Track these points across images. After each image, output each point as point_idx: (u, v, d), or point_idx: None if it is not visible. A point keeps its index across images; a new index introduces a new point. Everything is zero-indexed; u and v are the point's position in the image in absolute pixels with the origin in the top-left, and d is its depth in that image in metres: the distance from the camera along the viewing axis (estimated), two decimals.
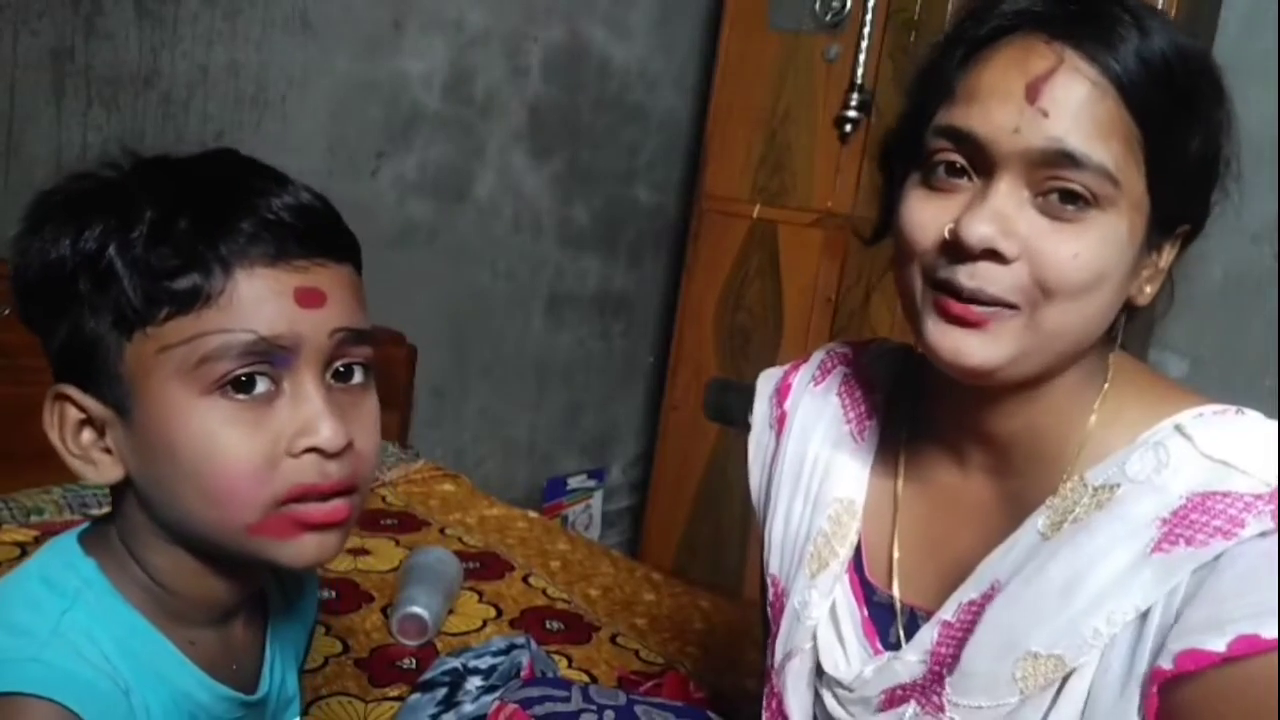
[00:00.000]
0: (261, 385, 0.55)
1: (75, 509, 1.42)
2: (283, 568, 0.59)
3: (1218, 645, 0.56)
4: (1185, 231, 0.66)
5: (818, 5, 2.05)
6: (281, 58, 1.81)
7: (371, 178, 2.00)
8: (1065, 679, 0.63)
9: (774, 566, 0.82)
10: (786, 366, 0.89)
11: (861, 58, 1.98)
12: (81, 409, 0.56)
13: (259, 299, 0.54)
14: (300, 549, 0.57)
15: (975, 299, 0.61)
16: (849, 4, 2.01)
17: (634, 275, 2.67)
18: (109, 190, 0.56)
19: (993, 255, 0.60)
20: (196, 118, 1.72)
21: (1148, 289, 0.66)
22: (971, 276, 0.61)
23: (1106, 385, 0.68)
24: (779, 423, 0.85)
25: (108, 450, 0.57)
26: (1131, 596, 0.61)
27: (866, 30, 1.97)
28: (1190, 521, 0.60)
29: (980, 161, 0.62)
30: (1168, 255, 0.66)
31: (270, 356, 0.54)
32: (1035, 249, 0.60)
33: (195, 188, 0.56)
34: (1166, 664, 0.58)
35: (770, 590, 0.82)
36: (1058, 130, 0.59)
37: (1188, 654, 0.57)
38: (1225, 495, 0.60)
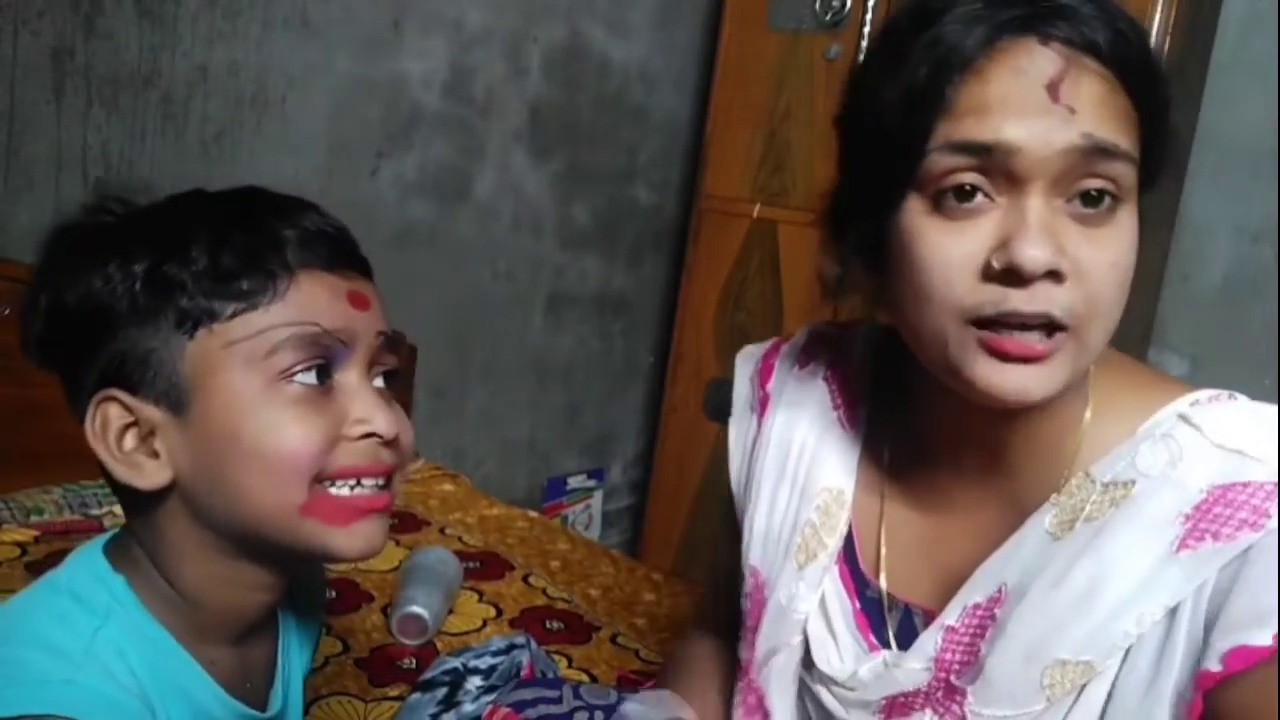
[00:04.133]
0: (321, 379, 0.59)
1: (75, 509, 1.42)
2: (333, 558, 0.61)
3: (1265, 639, 0.56)
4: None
5: (818, 5, 2.05)
6: (281, 58, 1.81)
7: (371, 178, 2.00)
8: (1085, 683, 0.62)
9: (755, 558, 0.79)
10: (766, 345, 0.86)
11: (861, 57, 1.98)
12: (129, 411, 0.57)
13: (320, 297, 0.59)
14: (350, 538, 0.60)
15: (1030, 326, 0.58)
16: (849, 4, 2.01)
17: (634, 275, 2.67)
18: (144, 218, 0.60)
19: (1050, 275, 0.57)
20: (196, 118, 1.72)
21: None
22: (1030, 300, 0.57)
23: (1090, 377, 0.67)
24: (761, 405, 0.82)
25: (154, 454, 0.58)
26: (1160, 596, 0.60)
27: (866, 30, 1.97)
28: (1215, 515, 0.59)
29: (1003, 175, 0.58)
30: None
31: (331, 350, 0.59)
32: (1080, 263, 0.58)
33: (239, 209, 0.60)
34: (1214, 666, 0.57)
35: (748, 582, 0.80)
36: (1087, 125, 0.57)
37: (1236, 652, 0.56)
38: (1245, 486, 0.59)
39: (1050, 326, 0.58)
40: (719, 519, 0.90)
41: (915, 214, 0.61)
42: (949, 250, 0.59)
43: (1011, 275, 0.57)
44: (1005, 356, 0.58)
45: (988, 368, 0.59)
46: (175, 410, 0.57)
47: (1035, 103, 0.57)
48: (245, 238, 0.58)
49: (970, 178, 0.59)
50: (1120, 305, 0.61)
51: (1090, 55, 0.58)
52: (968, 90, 0.58)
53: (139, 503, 0.60)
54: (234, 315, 0.57)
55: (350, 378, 0.60)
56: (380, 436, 0.60)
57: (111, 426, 0.58)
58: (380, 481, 0.62)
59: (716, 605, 0.91)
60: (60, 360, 0.60)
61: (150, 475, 0.58)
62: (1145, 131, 0.61)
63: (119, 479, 0.58)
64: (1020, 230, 0.57)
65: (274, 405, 0.57)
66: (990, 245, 0.58)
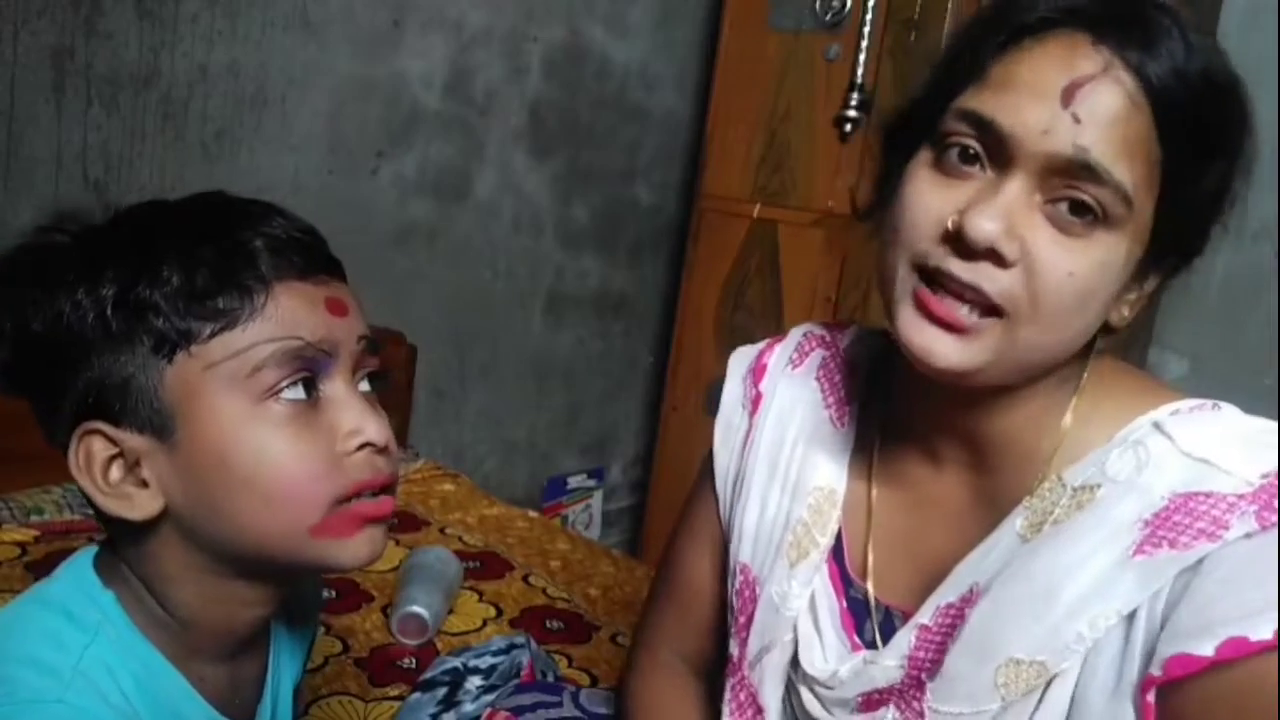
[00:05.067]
0: (307, 392, 0.57)
1: (75, 509, 1.42)
2: (338, 569, 0.60)
3: (1206, 649, 0.55)
4: (1174, 263, 0.65)
5: (818, 5, 2.05)
6: (281, 58, 1.81)
7: (371, 177, 2.00)
8: (1048, 684, 0.62)
9: (745, 554, 0.79)
10: (761, 345, 0.86)
11: (861, 57, 1.98)
12: (113, 443, 0.55)
13: (298, 309, 0.57)
14: (357, 548, 0.59)
15: (963, 296, 0.59)
16: (849, 4, 2.01)
17: (634, 275, 2.67)
18: (106, 238, 0.57)
19: (993, 255, 0.58)
20: (196, 118, 1.72)
21: (1126, 313, 0.65)
22: (968, 271, 0.59)
23: (1082, 384, 0.67)
24: (754, 404, 0.82)
25: (143, 484, 0.56)
26: (1114, 600, 0.60)
27: (866, 30, 1.97)
28: (1173, 523, 0.59)
29: (998, 153, 0.59)
30: (1152, 283, 0.65)
31: (314, 362, 0.57)
32: (1034, 258, 0.58)
33: (206, 221, 0.58)
34: (1156, 670, 0.57)
35: (738, 578, 0.80)
36: (1086, 140, 0.57)
37: (1177, 659, 0.56)
38: (1208, 495, 0.59)
39: (983, 306, 0.59)
40: (683, 534, 0.88)
41: (921, 162, 0.63)
42: (927, 200, 0.62)
43: (960, 242, 0.59)
44: (928, 316, 0.60)
45: (912, 321, 0.61)
46: (160, 437, 0.55)
47: (1047, 99, 0.57)
48: (216, 252, 0.55)
49: (975, 144, 0.61)
50: (1071, 324, 0.60)
51: (1133, 74, 0.57)
52: (1004, 65, 0.60)
53: (129, 530, 0.58)
54: (212, 335, 0.55)
55: (336, 388, 0.59)
56: (374, 444, 0.59)
57: (96, 460, 0.55)
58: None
59: (685, 631, 0.89)
60: (31, 388, 0.58)
61: (142, 506, 0.56)
62: (1172, 177, 0.59)
63: (109, 513, 0.56)
64: (982, 201, 0.59)
65: (263, 426, 0.55)
66: (960, 208, 0.60)
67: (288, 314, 0.56)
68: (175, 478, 0.56)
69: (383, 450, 0.59)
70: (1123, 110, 0.57)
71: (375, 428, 0.58)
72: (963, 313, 0.59)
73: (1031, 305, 0.59)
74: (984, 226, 0.58)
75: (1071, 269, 0.58)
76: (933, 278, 0.60)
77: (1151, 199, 0.59)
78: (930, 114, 0.63)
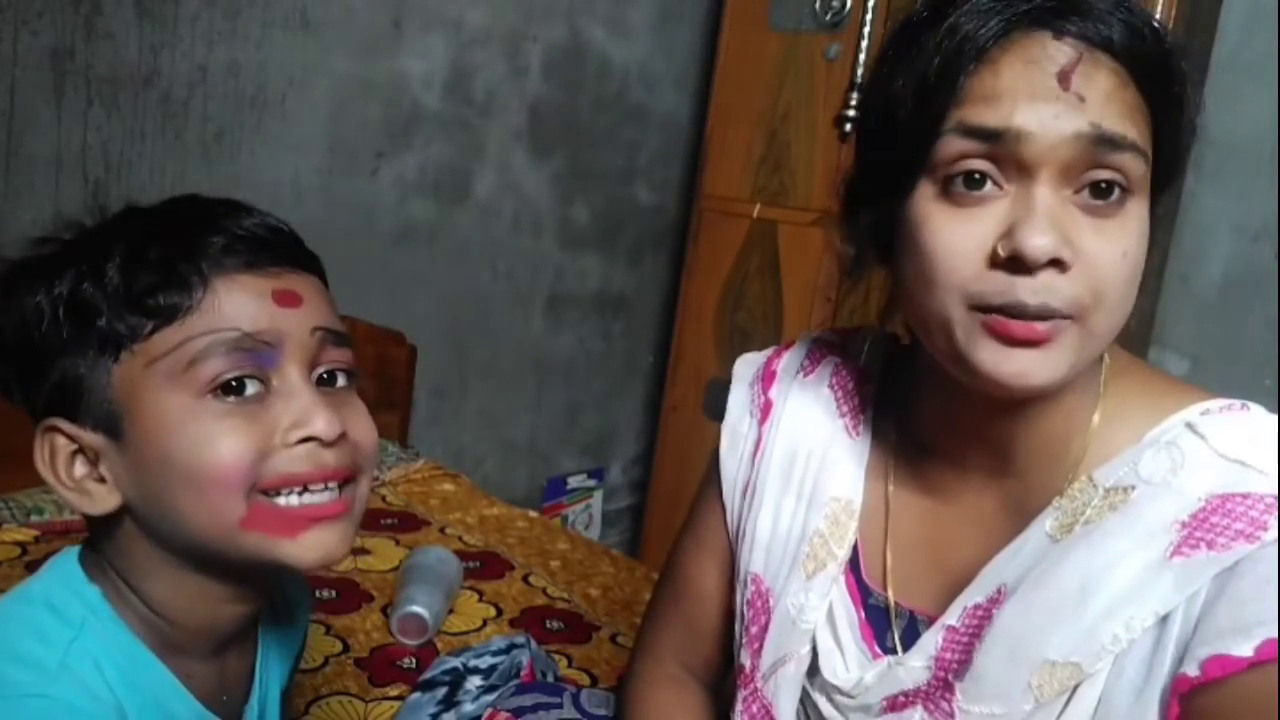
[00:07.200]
0: (251, 387, 0.56)
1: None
2: (288, 568, 0.59)
3: (1245, 650, 0.55)
4: (1163, 193, 0.65)
5: (818, 5, 2.05)
6: (281, 58, 1.81)
7: (371, 177, 2.00)
8: (1077, 685, 0.62)
9: (758, 565, 0.78)
10: (768, 352, 0.85)
11: (861, 57, 1.98)
12: (72, 439, 0.57)
13: (239, 301, 0.56)
14: (301, 548, 0.58)
15: (1040, 315, 0.58)
16: (849, 3, 2.01)
17: (634, 275, 2.67)
18: (74, 242, 0.59)
19: (1054, 264, 0.57)
20: (196, 118, 1.72)
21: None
22: (1036, 292, 0.57)
23: (1104, 379, 0.67)
24: (763, 411, 0.81)
25: (101, 480, 0.57)
26: (1151, 602, 0.59)
27: (866, 30, 1.97)
28: (1211, 524, 0.59)
29: (1011, 163, 0.59)
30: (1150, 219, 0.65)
31: (256, 354, 0.56)
32: (1088, 254, 0.58)
33: (163, 222, 0.58)
34: (1192, 671, 0.57)
35: (749, 588, 0.79)
36: (1095, 115, 0.57)
37: (1215, 660, 0.56)
38: (1245, 497, 0.59)
39: (1060, 316, 0.59)
40: (688, 543, 0.87)
41: (925, 199, 0.62)
42: (956, 237, 0.60)
43: (1016, 263, 0.58)
44: (1010, 340, 0.59)
45: (992, 352, 0.59)
46: (112, 436, 0.56)
47: (1045, 91, 0.58)
48: (160, 251, 0.56)
49: (980, 165, 0.59)
50: (1130, 298, 0.61)
51: (1103, 50, 0.58)
52: (980, 79, 0.59)
53: (102, 525, 0.59)
54: (153, 332, 0.55)
55: (286, 380, 0.57)
56: (320, 439, 0.57)
57: (60, 455, 0.57)
58: (332, 486, 0.59)
59: (691, 641, 0.87)
60: (12, 393, 0.59)
61: (100, 501, 0.57)
62: (1158, 128, 0.61)
63: (71, 506, 0.58)
64: (1026, 218, 0.58)
65: (203, 420, 0.55)
66: (998, 232, 0.59)
67: (226, 306, 0.56)
68: (128, 475, 0.57)
69: (336, 443, 0.58)
70: (1111, 79, 0.58)
71: (323, 421, 0.57)
72: (1041, 325, 0.58)
73: (1096, 300, 0.58)
74: (1039, 243, 0.57)
75: (1124, 249, 0.59)
76: (1000, 308, 0.59)
77: (1150, 149, 0.60)
78: (917, 146, 0.61)
